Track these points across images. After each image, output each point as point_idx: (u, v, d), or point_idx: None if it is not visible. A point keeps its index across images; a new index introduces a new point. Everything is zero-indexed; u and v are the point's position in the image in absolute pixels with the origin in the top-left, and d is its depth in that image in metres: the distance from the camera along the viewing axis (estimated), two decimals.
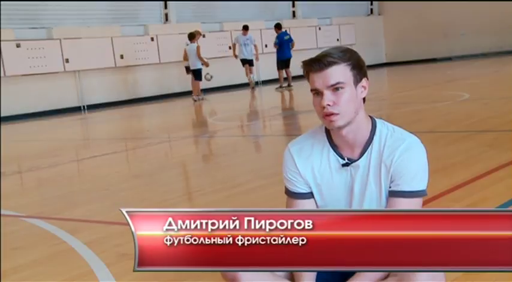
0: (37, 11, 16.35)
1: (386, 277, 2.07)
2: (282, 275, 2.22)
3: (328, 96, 2.09)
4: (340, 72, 2.08)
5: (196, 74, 16.11)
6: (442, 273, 2.00)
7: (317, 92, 2.11)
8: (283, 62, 17.20)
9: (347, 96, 2.10)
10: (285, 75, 17.45)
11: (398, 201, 2.15)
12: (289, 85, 17.25)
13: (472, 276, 2.69)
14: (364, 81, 2.16)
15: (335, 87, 2.08)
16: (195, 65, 15.99)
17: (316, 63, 2.09)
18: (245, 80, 18.46)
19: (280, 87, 17.18)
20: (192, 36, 15.89)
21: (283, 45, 17.10)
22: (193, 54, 15.99)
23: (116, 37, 17.53)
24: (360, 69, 2.13)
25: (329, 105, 2.08)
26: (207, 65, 15.90)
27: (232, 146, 8.17)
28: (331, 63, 2.07)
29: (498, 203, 3.74)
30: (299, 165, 2.26)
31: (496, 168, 4.73)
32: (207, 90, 17.51)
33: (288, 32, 17.51)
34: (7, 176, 7.13)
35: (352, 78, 2.11)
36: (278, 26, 17.29)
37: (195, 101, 16.11)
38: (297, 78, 20.30)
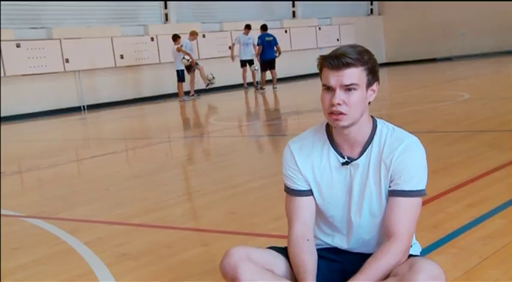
0: (37, 11, 16.35)
1: (386, 277, 2.07)
2: (282, 274, 2.23)
3: (339, 95, 2.09)
4: (356, 75, 2.09)
5: (178, 75, 16.38)
6: (443, 273, 2.01)
7: (328, 88, 2.12)
8: (264, 64, 17.14)
9: (357, 98, 2.11)
10: (270, 77, 17.43)
11: (398, 200, 2.15)
12: (274, 87, 17.21)
13: (472, 276, 2.69)
14: (375, 85, 2.17)
15: (348, 88, 2.09)
16: (177, 66, 16.24)
17: (335, 61, 2.09)
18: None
19: (261, 88, 17.14)
20: (175, 38, 16.08)
21: (265, 47, 17.00)
22: (174, 56, 16.24)
23: (116, 37, 17.53)
24: (374, 73, 2.15)
25: (339, 104, 2.09)
26: (192, 61, 16.21)
27: (231, 146, 8.17)
28: (349, 65, 2.08)
29: (498, 203, 3.74)
30: (299, 162, 2.27)
31: (496, 168, 4.73)
32: (207, 90, 17.51)
33: (272, 34, 17.34)
34: (7, 176, 7.13)
35: (365, 82, 2.12)
36: (263, 27, 17.19)
37: (185, 101, 16.41)
38: (297, 78, 20.32)
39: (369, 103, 2.20)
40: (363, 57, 2.11)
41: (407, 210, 2.15)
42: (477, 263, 2.82)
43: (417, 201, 2.17)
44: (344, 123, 2.13)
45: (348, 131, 2.17)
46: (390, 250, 2.10)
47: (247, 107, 14.65)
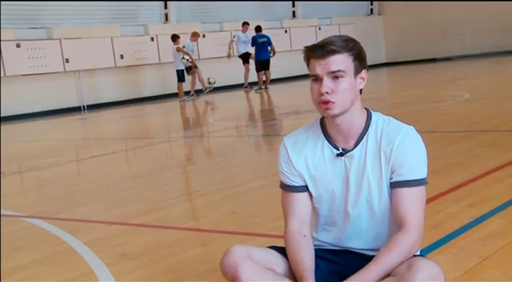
0: (37, 11, 16.36)
1: (385, 277, 2.06)
2: (282, 273, 2.22)
3: (327, 83, 2.09)
4: (342, 61, 2.09)
5: (178, 75, 16.37)
6: (442, 273, 2.00)
7: (316, 79, 2.12)
8: (258, 64, 17.22)
9: (346, 86, 2.10)
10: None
11: (404, 191, 2.14)
12: (266, 87, 17.32)
13: (472, 276, 2.69)
14: (363, 73, 2.17)
15: (335, 75, 2.09)
16: (176, 66, 16.24)
17: (319, 50, 2.09)
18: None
19: (260, 88, 17.23)
20: (175, 38, 16.08)
21: (257, 48, 17.08)
22: (174, 56, 16.24)
23: (116, 37, 17.53)
24: (361, 60, 2.14)
25: (327, 92, 2.09)
26: (193, 61, 16.24)
27: (231, 146, 8.17)
28: (334, 52, 2.08)
29: (498, 203, 3.74)
30: (292, 157, 2.27)
31: (496, 168, 4.72)
32: (202, 91, 17.48)
33: (266, 34, 17.38)
34: (7, 176, 7.13)
35: (352, 69, 2.12)
36: (257, 28, 17.30)
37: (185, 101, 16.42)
38: (297, 78, 20.32)
39: (361, 92, 2.18)
40: (348, 44, 2.11)
41: (414, 200, 2.14)
42: (477, 263, 2.82)
43: (422, 189, 2.16)
44: (334, 111, 2.12)
45: (340, 121, 2.16)
46: (402, 241, 2.09)
47: (247, 107, 14.65)
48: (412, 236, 2.11)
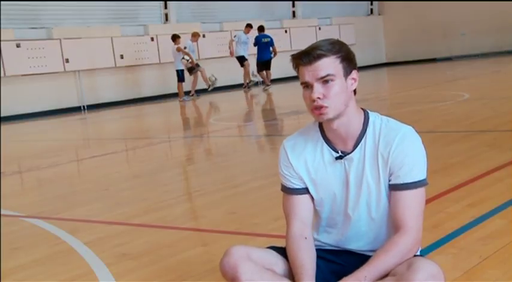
0: (37, 11, 16.35)
1: (384, 277, 2.06)
2: (281, 274, 2.22)
3: (318, 89, 2.08)
4: (329, 65, 2.08)
5: (178, 75, 16.39)
6: (441, 272, 2.00)
7: (307, 85, 2.11)
8: (261, 64, 17.31)
9: (337, 89, 2.09)
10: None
11: (402, 194, 2.13)
12: (266, 86, 17.40)
13: (472, 276, 2.69)
14: (354, 74, 2.15)
15: (325, 80, 2.08)
16: (176, 66, 16.26)
17: (306, 56, 2.08)
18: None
19: (267, 85, 17.33)
20: (175, 38, 16.08)
21: (261, 47, 17.15)
22: (174, 56, 16.26)
23: (116, 37, 17.53)
24: (349, 61, 2.12)
25: (319, 98, 2.08)
26: (193, 62, 16.29)
27: (232, 146, 8.17)
28: (320, 56, 2.07)
29: (498, 203, 3.74)
30: (292, 160, 2.27)
31: (496, 168, 4.72)
32: (207, 89, 17.49)
33: (269, 34, 17.50)
34: (7, 176, 7.13)
35: (342, 71, 2.10)
36: (260, 28, 17.43)
37: (185, 101, 16.42)
38: (296, 78, 20.33)
39: (355, 93, 2.17)
40: (334, 47, 2.09)
41: (412, 202, 2.13)
42: (477, 263, 2.82)
43: (421, 191, 2.15)
44: (329, 115, 2.11)
45: (336, 125, 2.16)
46: (399, 242, 2.08)
47: (247, 107, 14.65)
48: (409, 238, 2.10)
